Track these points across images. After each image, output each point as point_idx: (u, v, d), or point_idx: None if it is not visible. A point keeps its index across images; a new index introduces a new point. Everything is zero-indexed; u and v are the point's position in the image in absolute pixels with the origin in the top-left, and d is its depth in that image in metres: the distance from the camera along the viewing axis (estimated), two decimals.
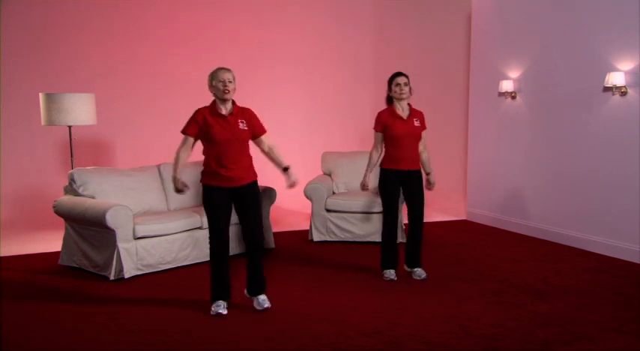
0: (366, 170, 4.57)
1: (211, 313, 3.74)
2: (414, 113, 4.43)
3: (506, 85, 6.28)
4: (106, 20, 6.96)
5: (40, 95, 5.61)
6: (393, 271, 4.52)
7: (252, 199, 3.75)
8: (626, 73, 5.00)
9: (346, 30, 7.91)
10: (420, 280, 4.48)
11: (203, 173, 3.74)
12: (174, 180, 3.68)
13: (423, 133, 4.49)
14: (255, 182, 3.80)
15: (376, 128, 4.45)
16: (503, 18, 6.43)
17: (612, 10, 5.12)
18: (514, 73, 6.28)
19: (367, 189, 4.63)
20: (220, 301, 3.78)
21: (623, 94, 5.03)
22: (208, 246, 3.81)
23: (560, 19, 5.66)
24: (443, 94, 8.01)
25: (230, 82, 3.62)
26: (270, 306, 3.81)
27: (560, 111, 5.71)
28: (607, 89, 5.16)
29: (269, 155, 3.86)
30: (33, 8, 6.69)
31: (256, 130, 3.77)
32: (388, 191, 4.44)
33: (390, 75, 4.43)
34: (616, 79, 5.00)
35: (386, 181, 4.44)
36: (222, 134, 3.61)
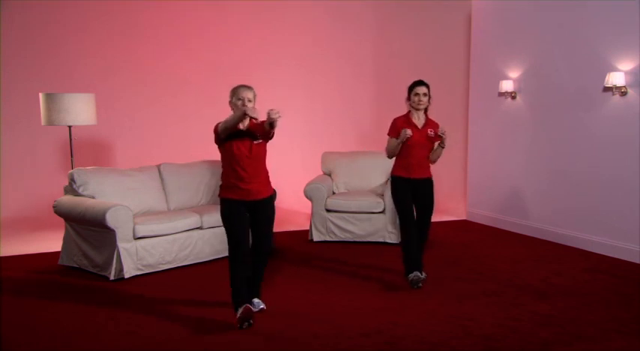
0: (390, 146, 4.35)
1: (238, 322, 3.53)
2: (429, 123, 4.40)
3: (506, 85, 6.28)
4: (106, 21, 6.96)
5: (40, 95, 5.61)
6: (418, 273, 4.35)
7: (268, 214, 3.76)
8: (626, 73, 5.00)
9: (346, 30, 7.90)
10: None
11: (221, 187, 3.71)
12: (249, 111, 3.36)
13: (436, 144, 4.40)
14: (272, 197, 3.79)
15: (390, 134, 4.39)
16: (503, 18, 6.43)
17: (612, 10, 5.12)
18: (514, 73, 6.28)
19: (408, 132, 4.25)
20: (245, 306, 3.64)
21: (623, 94, 5.03)
22: (228, 254, 3.67)
23: (560, 19, 5.66)
24: (443, 94, 7.98)
25: (249, 101, 3.59)
26: (265, 307, 3.80)
27: (560, 111, 5.71)
28: (607, 89, 5.16)
29: (267, 128, 3.52)
30: (33, 8, 6.69)
31: (261, 126, 3.59)
32: (401, 199, 4.40)
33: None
34: (616, 79, 5.00)
35: (397, 189, 4.41)
36: (239, 149, 3.58)
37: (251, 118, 3.46)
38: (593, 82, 5.30)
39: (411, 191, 4.40)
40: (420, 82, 4.34)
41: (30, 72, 6.73)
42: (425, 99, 4.31)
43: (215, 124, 3.60)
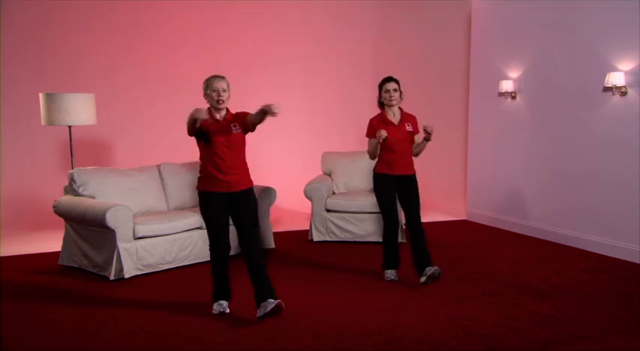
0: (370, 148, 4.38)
1: (214, 312, 3.75)
2: (405, 118, 4.40)
3: (506, 85, 6.28)
4: (106, 20, 6.96)
5: (40, 95, 5.61)
6: (394, 272, 4.52)
7: (248, 206, 3.72)
8: (626, 73, 5.00)
9: (346, 30, 7.91)
10: (420, 280, 4.46)
11: (199, 179, 3.72)
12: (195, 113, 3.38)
13: (416, 137, 4.45)
14: (252, 189, 3.78)
15: (368, 135, 4.43)
16: (503, 18, 6.43)
17: (612, 10, 5.12)
18: (514, 73, 6.28)
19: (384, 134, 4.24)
20: (222, 301, 3.79)
21: (623, 94, 5.03)
22: (208, 249, 3.80)
23: (560, 19, 5.66)
24: (443, 94, 8.00)
25: (224, 90, 3.60)
26: (282, 303, 3.62)
27: (560, 111, 5.71)
28: (607, 89, 5.16)
29: (256, 118, 3.53)
30: (33, 8, 6.69)
31: (244, 119, 3.62)
32: (384, 195, 4.43)
33: (393, 75, 4.41)
34: (616, 79, 5.00)
35: (380, 185, 4.43)
36: (217, 139, 3.58)
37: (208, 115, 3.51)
38: (593, 82, 5.30)
39: (394, 188, 4.41)
40: (389, 79, 4.35)
41: (30, 72, 6.73)
42: (396, 94, 4.31)
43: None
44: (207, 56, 7.23)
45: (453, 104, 7.78)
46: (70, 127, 5.78)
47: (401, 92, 4.35)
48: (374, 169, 4.49)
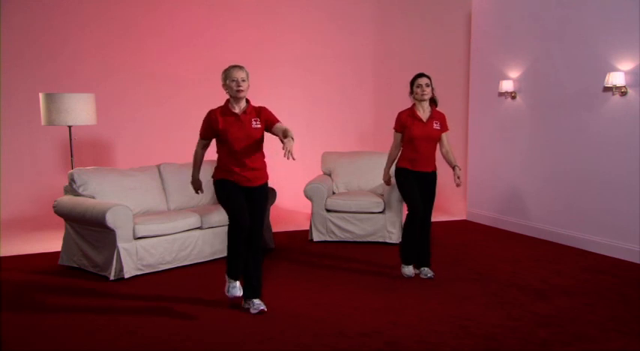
0: (386, 166, 4.64)
1: (227, 294, 3.70)
2: (434, 115, 4.43)
3: (506, 85, 6.28)
4: (106, 21, 6.97)
5: (40, 95, 5.61)
6: (412, 268, 4.54)
7: (260, 202, 3.74)
8: (626, 73, 5.00)
9: (346, 30, 7.91)
10: (422, 280, 4.47)
11: (217, 169, 3.73)
12: (195, 181, 3.94)
13: (444, 135, 4.46)
14: (266, 184, 3.80)
15: (396, 128, 4.45)
16: (503, 18, 6.43)
17: (612, 10, 5.12)
18: (514, 73, 6.28)
19: (390, 183, 4.74)
20: (237, 282, 3.71)
21: (623, 94, 5.03)
22: (227, 233, 3.68)
23: (560, 19, 5.66)
24: (443, 94, 7.95)
25: (244, 80, 3.59)
26: (265, 309, 3.79)
27: (560, 111, 5.71)
28: (607, 89, 5.17)
29: (282, 134, 3.55)
30: (33, 8, 6.69)
31: (270, 121, 3.67)
32: (407, 188, 4.43)
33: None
34: (616, 79, 5.00)
35: (404, 179, 4.44)
36: (235, 134, 3.59)
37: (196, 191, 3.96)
38: (593, 82, 5.30)
39: (415, 182, 4.43)
40: (422, 74, 4.42)
41: (30, 72, 6.73)
42: (428, 89, 4.36)
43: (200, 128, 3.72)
44: (206, 56, 7.23)
45: (453, 104, 7.77)
46: (70, 127, 5.78)
47: (432, 88, 4.40)
48: (396, 164, 4.53)
